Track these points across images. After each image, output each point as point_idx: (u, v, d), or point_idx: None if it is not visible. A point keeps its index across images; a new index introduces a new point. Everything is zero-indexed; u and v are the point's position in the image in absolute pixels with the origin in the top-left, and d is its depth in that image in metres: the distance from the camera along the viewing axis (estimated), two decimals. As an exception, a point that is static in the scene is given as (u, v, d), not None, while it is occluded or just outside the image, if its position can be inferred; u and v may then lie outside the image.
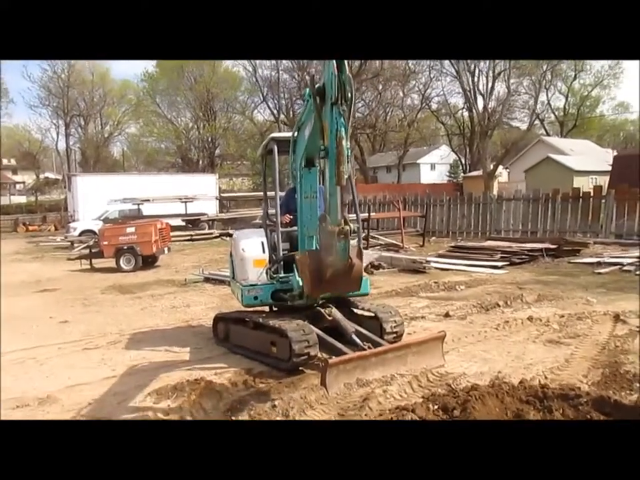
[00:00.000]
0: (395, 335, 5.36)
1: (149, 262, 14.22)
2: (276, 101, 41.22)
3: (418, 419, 3.59)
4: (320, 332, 5.03)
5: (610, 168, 40.15)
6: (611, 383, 4.41)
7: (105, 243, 13.97)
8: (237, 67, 45.08)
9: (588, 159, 41.40)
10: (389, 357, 4.64)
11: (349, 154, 3.64)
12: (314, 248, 5.05)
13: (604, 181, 35.61)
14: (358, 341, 4.89)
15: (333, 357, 4.90)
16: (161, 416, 4.10)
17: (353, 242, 3.99)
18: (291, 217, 5.68)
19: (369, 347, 4.76)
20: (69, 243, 21.22)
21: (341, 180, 3.58)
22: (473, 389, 4.07)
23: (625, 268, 10.62)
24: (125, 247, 13.75)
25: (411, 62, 36.53)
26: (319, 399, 4.15)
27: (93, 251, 14.82)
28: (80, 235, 22.11)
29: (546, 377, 4.58)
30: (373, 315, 5.51)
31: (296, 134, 4.84)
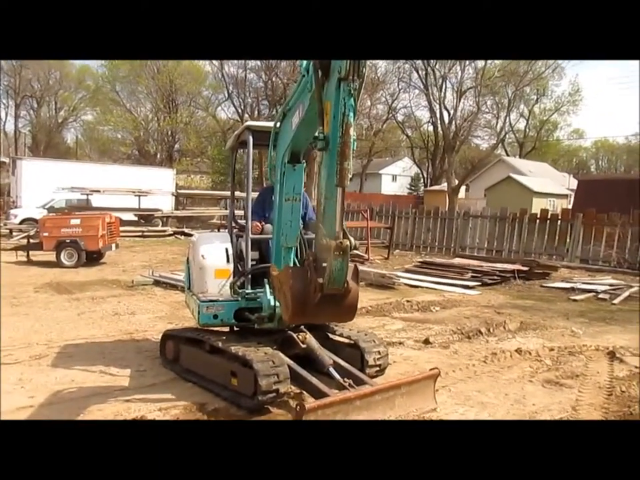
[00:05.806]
0: (377, 369, 4.57)
1: (93, 258, 12.94)
2: (241, 100, 39.97)
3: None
4: (291, 362, 4.17)
5: (567, 192, 41.13)
6: (633, 442, 3.74)
7: (46, 234, 12.63)
8: (203, 61, 43.68)
9: (546, 182, 42.25)
10: (376, 399, 3.82)
11: (354, 147, 2.84)
12: (291, 262, 4.22)
13: (561, 204, 36.33)
14: (337, 376, 4.04)
15: (305, 393, 4.10)
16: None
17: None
18: (263, 223, 4.80)
19: (350, 385, 3.94)
20: (8, 231, 19.56)
21: (344, 179, 2.78)
22: (481, 448, 3.33)
23: (600, 296, 10.23)
24: (68, 240, 12.45)
25: (379, 72, 36.26)
26: (290, 453, 3.31)
27: (31, 241, 13.43)
28: (21, 223, 20.60)
29: (557, 431, 3.87)
30: (352, 342, 4.69)
31: (278, 124, 4.03)
